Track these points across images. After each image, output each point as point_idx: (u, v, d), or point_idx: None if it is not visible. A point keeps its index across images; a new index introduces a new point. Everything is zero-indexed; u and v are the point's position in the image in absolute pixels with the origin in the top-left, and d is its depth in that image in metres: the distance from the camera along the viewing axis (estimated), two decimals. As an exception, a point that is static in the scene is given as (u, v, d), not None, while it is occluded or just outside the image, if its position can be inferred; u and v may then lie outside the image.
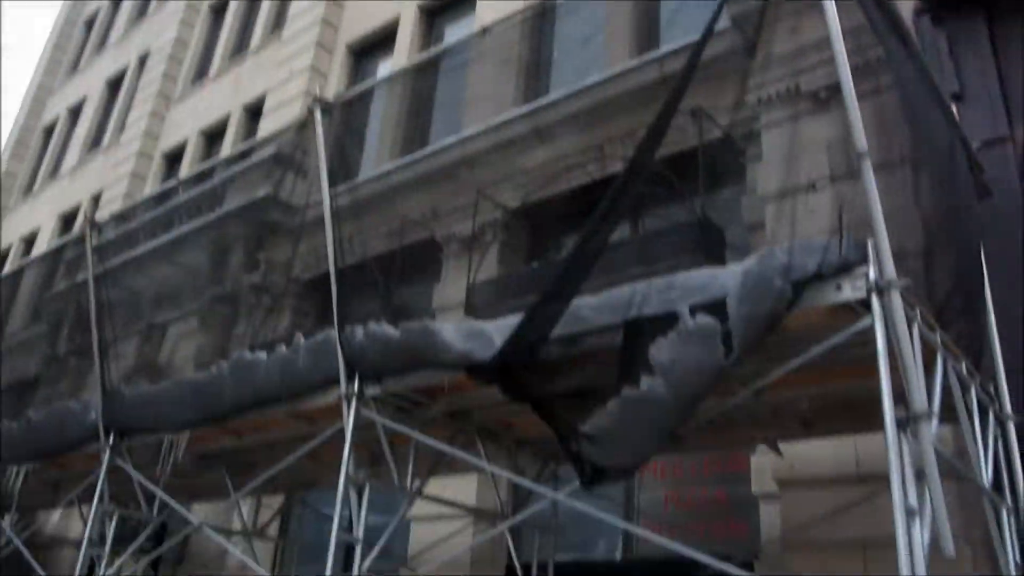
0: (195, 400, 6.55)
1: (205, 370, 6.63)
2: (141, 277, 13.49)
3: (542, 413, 4.29)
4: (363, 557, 5.15)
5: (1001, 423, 4.99)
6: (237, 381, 6.16)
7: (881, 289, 3.47)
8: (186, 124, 18.55)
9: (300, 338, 5.90)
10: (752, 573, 4.39)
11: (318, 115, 6.16)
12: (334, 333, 5.47)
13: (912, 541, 3.18)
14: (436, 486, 6.38)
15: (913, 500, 3.25)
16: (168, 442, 7.12)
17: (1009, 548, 4.62)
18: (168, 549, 10.27)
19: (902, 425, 3.36)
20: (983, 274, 5.21)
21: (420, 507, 7.49)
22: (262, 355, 6.08)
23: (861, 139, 3.69)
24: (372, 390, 5.32)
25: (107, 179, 19.60)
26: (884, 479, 4.56)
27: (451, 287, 9.15)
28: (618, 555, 7.59)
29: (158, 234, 13.62)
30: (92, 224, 9.05)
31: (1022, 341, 5.38)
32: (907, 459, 3.33)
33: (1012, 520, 4.75)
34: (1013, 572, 4.58)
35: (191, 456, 7.44)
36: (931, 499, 3.34)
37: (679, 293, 3.97)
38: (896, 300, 3.44)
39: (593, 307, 4.27)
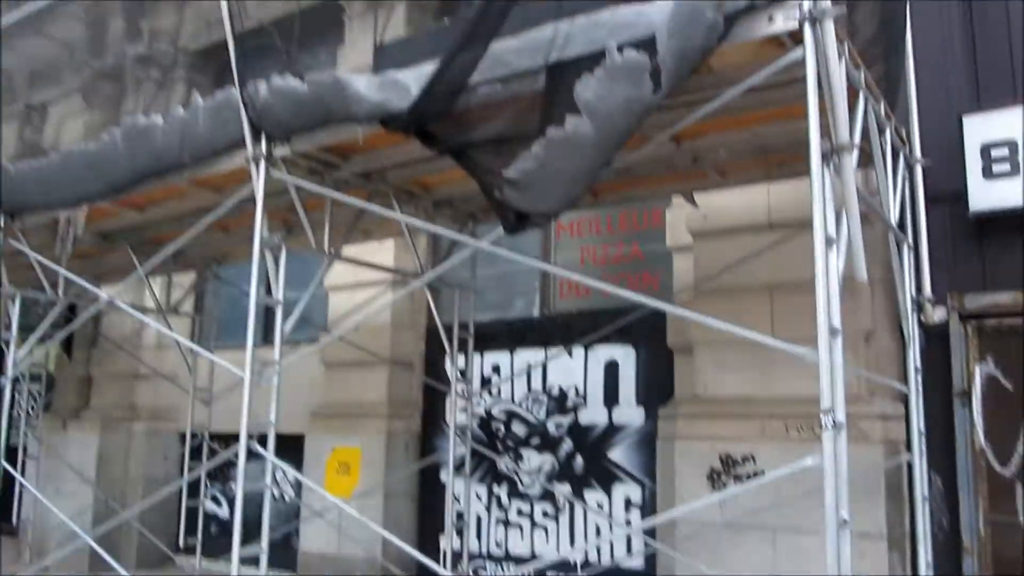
0: (88, 172, 6.11)
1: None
2: (9, 53, 12.29)
3: (463, 162, 4.15)
4: (283, 320, 5.12)
5: (910, 166, 5.15)
6: (133, 149, 5.73)
7: (815, 18, 3.35)
8: None
9: (198, 99, 5.48)
10: (670, 304, 4.53)
11: None
12: (236, 91, 5.07)
13: (828, 268, 3.28)
14: (352, 253, 6.29)
15: (832, 230, 3.33)
16: (65, 219, 6.75)
17: (907, 281, 4.92)
18: (80, 331, 10.12)
19: (826, 158, 3.37)
20: (906, 17, 5.14)
21: (337, 276, 7.47)
22: (158, 119, 5.65)
23: None
24: (281, 150, 5.02)
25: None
26: (794, 226, 4.65)
27: (356, 51, 8.60)
28: (535, 312, 7.84)
29: (22, 3, 12.29)
30: (-58, -17, 8.01)
31: (936, 87, 5.43)
32: (828, 192, 3.37)
33: (911, 256, 5.03)
34: (909, 304, 4.91)
35: (92, 234, 7.11)
36: (848, 228, 3.43)
37: (606, 31, 3.77)
38: (829, 29, 3.33)
39: (514, 50, 4.04)
